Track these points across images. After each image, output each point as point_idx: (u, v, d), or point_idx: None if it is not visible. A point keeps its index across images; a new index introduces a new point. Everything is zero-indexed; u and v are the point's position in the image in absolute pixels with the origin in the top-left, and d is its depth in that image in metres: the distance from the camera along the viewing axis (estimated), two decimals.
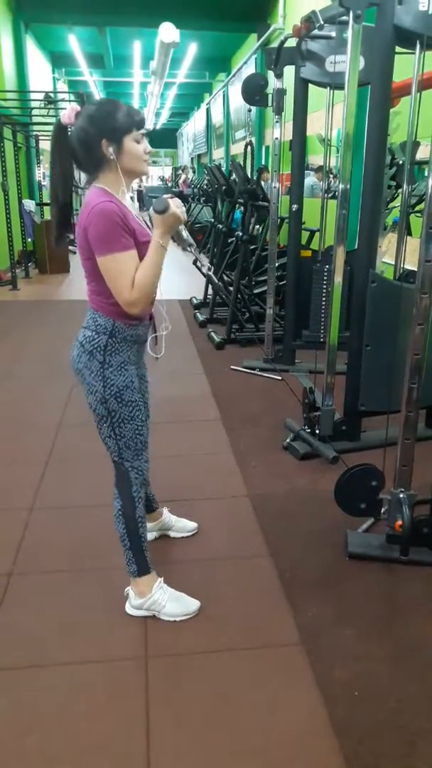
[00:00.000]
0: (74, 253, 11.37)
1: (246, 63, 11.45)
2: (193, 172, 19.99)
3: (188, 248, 1.81)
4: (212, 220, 7.39)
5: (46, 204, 11.07)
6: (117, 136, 1.67)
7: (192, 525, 2.47)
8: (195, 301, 6.89)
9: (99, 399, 1.81)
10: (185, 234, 1.78)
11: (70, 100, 10.80)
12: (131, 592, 2.00)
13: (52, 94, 10.63)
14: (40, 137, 10.78)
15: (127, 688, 1.72)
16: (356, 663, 1.82)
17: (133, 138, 1.70)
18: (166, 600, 1.97)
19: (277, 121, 4.35)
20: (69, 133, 1.71)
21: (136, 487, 1.91)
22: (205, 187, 9.32)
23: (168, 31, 8.41)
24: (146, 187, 19.41)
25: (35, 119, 9.35)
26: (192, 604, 2.00)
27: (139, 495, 1.93)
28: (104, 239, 1.63)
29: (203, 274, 3.02)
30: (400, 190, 4.07)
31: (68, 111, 1.69)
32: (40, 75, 12.86)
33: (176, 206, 1.69)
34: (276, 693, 1.72)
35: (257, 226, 6.69)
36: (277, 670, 1.80)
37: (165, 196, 1.71)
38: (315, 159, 8.33)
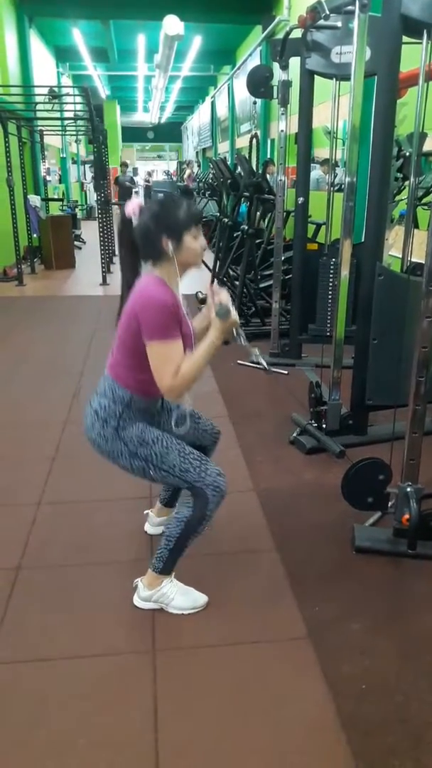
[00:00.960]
0: (80, 248, 11.38)
1: (251, 55, 11.38)
2: (198, 165, 19.93)
3: (241, 342, 1.91)
4: (218, 214, 7.37)
5: (52, 199, 11.08)
6: (177, 234, 1.77)
7: None
8: (200, 295, 6.87)
9: (129, 456, 1.87)
10: (235, 332, 1.87)
11: (74, 95, 10.77)
12: (140, 584, 2.01)
13: (56, 89, 10.61)
14: (45, 132, 10.77)
15: (135, 682, 1.73)
16: (363, 657, 1.82)
17: (192, 235, 1.80)
18: (174, 593, 1.98)
19: (282, 114, 4.32)
20: (132, 225, 1.82)
21: (212, 506, 1.88)
22: (210, 180, 9.29)
23: (172, 24, 8.38)
24: (154, 182, 19.43)
25: (40, 114, 9.33)
26: (200, 599, 2.01)
27: (212, 514, 1.90)
28: (159, 327, 1.74)
29: (253, 362, 3.19)
30: (407, 183, 4.04)
31: (132, 205, 1.82)
32: (45, 69, 12.83)
33: (234, 313, 1.79)
34: (283, 687, 1.72)
35: (263, 220, 6.66)
36: (284, 664, 1.80)
37: (223, 296, 1.80)
38: (321, 152, 8.28)
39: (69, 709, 1.65)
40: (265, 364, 2.27)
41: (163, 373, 1.76)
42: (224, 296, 1.80)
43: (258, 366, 4.52)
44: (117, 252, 1.95)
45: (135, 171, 15.20)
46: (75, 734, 1.57)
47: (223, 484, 1.89)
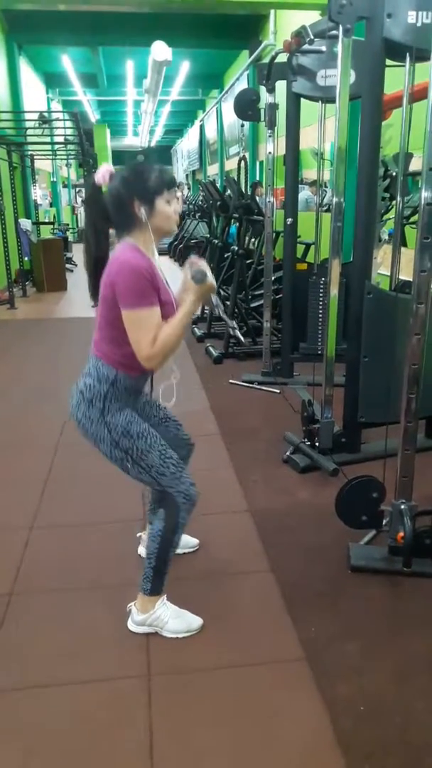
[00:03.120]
0: (71, 271, 11.42)
1: (238, 79, 11.57)
2: (188, 188, 20.13)
3: (217, 310, 1.91)
4: (208, 235, 7.44)
5: (43, 223, 11.15)
6: (149, 198, 1.72)
7: (194, 541, 2.45)
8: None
9: (111, 444, 1.82)
10: (215, 300, 1.86)
11: (64, 120, 10.89)
12: (134, 608, 1.98)
13: (46, 114, 10.72)
14: (35, 157, 10.87)
15: (130, 707, 1.70)
16: (361, 678, 1.80)
17: (165, 199, 1.75)
18: (168, 616, 1.95)
19: (270, 136, 4.38)
20: (102, 192, 1.76)
21: (183, 513, 1.87)
22: (200, 203, 9.39)
23: (160, 50, 8.52)
24: None
25: (30, 139, 9.43)
26: (194, 622, 1.98)
27: (185, 522, 1.89)
28: (134, 294, 1.68)
29: (230, 332, 2.93)
30: (394, 202, 4.09)
31: (102, 171, 1.76)
32: (35, 95, 12.99)
33: (211, 277, 1.76)
34: (280, 709, 1.69)
35: (253, 241, 6.73)
36: (280, 687, 1.77)
37: (201, 264, 1.77)
38: (309, 173, 8.40)
39: (64, 735, 1.61)
40: (241, 337, 2.28)
41: (140, 341, 1.70)
42: (202, 264, 1.77)
43: (251, 386, 4.53)
44: (84, 224, 1.95)
45: None
46: (70, 761, 1.54)
47: (194, 494, 1.89)
